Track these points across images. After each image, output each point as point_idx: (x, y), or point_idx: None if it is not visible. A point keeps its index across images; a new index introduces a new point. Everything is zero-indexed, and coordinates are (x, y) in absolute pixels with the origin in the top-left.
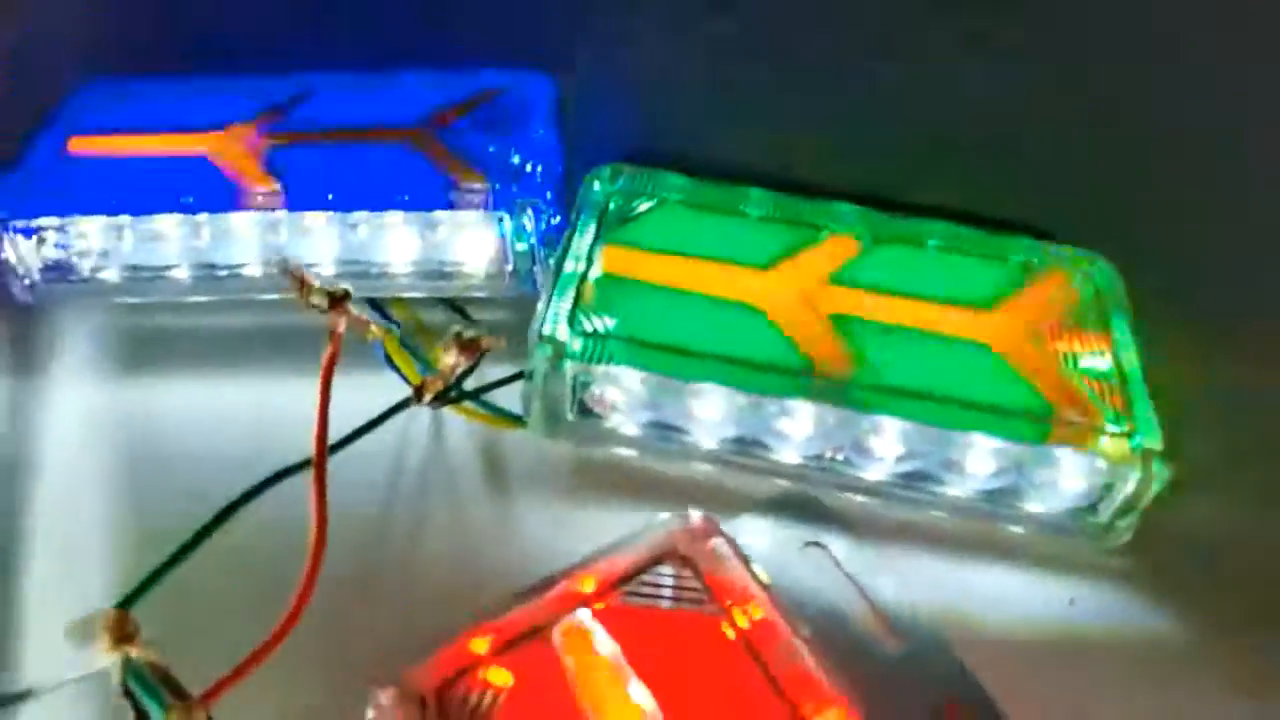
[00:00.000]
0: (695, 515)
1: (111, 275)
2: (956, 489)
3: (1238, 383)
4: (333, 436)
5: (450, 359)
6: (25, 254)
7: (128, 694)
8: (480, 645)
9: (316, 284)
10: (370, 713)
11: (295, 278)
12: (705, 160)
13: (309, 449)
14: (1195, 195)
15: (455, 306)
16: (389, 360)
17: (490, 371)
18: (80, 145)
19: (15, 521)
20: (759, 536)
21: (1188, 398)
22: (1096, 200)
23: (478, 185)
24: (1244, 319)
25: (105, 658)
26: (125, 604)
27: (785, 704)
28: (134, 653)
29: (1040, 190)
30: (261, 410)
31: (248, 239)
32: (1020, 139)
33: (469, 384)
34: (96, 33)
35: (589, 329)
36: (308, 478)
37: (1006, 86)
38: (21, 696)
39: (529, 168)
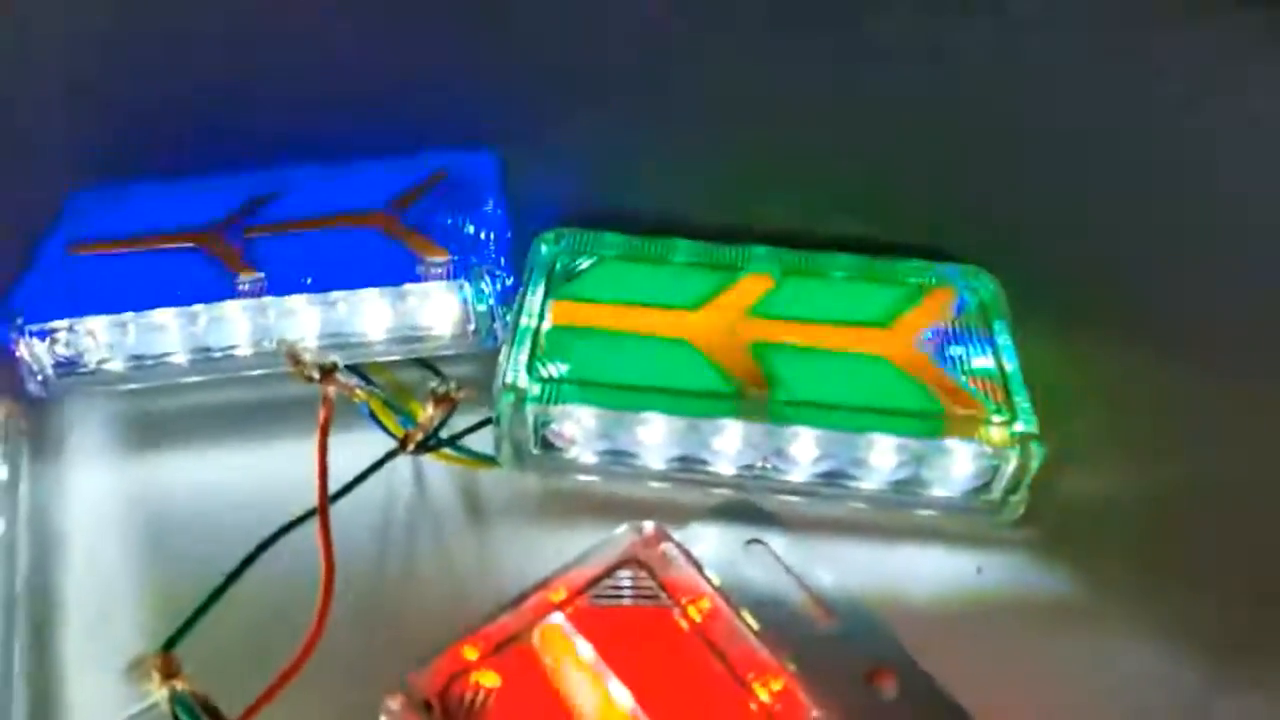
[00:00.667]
0: (648, 526)
1: (116, 365)
2: (868, 483)
3: (1108, 371)
4: (330, 489)
5: (428, 412)
6: (39, 353)
7: None
8: (471, 652)
9: (309, 359)
10: (383, 718)
11: (291, 356)
12: (635, 216)
13: (307, 504)
14: (1067, 206)
15: (427, 364)
16: (374, 418)
17: (461, 420)
18: (81, 250)
19: (50, 593)
20: (706, 540)
21: (1066, 387)
22: (981, 218)
23: (440, 258)
24: (1113, 315)
25: (156, 693)
26: (168, 646)
27: (735, 680)
28: (179, 686)
29: (931, 214)
30: (260, 475)
31: (238, 323)
32: (907, 170)
33: (444, 433)
34: (78, 144)
35: (545, 375)
36: (310, 528)
37: (889, 127)
38: None
39: (482, 236)
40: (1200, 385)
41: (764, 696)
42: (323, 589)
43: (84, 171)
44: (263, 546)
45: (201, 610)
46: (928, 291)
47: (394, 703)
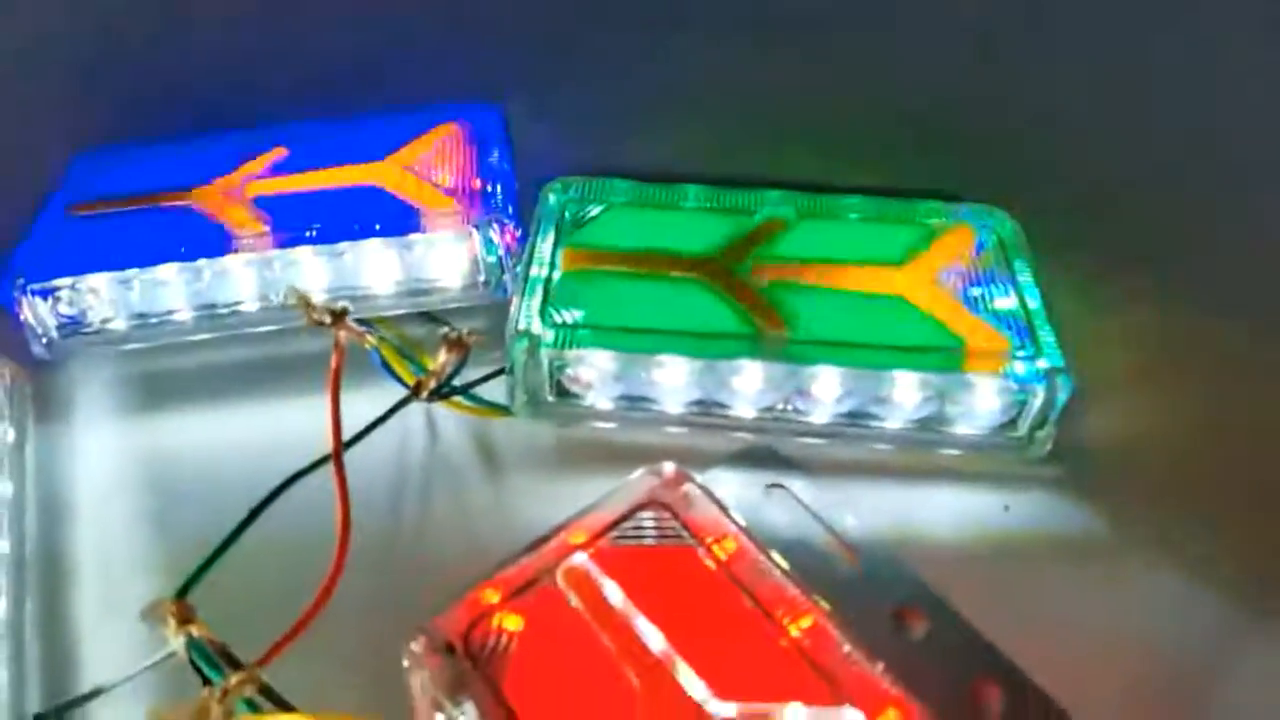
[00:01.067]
0: (668, 467)
1: (120, 325)
2: (892, 421)
3: (1133, 311)
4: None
5: (441, 358)
6: (42, 314)
7: (195, 667)
8: (492, 595)
9: (320, 303)
10: (406, 661)
11: (301, 299)
12: (640, 165)
13: (314, 456)
14: (1089, 149)
15: (436, 318)
16: (385, 365)
17: (473, 372)
18: (82, 210)
19: (59, 554)
20: (727, 485)
21: (1090, 326)
22: (1000, 161)
23: (447, 209)
24: (1138, 257)
25: (172, 640)
26: (181, 593)
27: (766, 617)
28: (195, 632)
29: (949, 159)
30: (268, 431)
31: (242, 278)
32: (924, 113)
33: (457, 384)
34: (80, 106)
35: (559, 321)
36: (320, 481)
37: (913, 69)
38: (92, 695)
39: (489, 188)
40: (1226, 325)
41: (794, 632)
42: (340, 531)
43: (86, 137)
44: (276, 492)
45: (214, 557)
46: (944, 231)
47: (416, 646)
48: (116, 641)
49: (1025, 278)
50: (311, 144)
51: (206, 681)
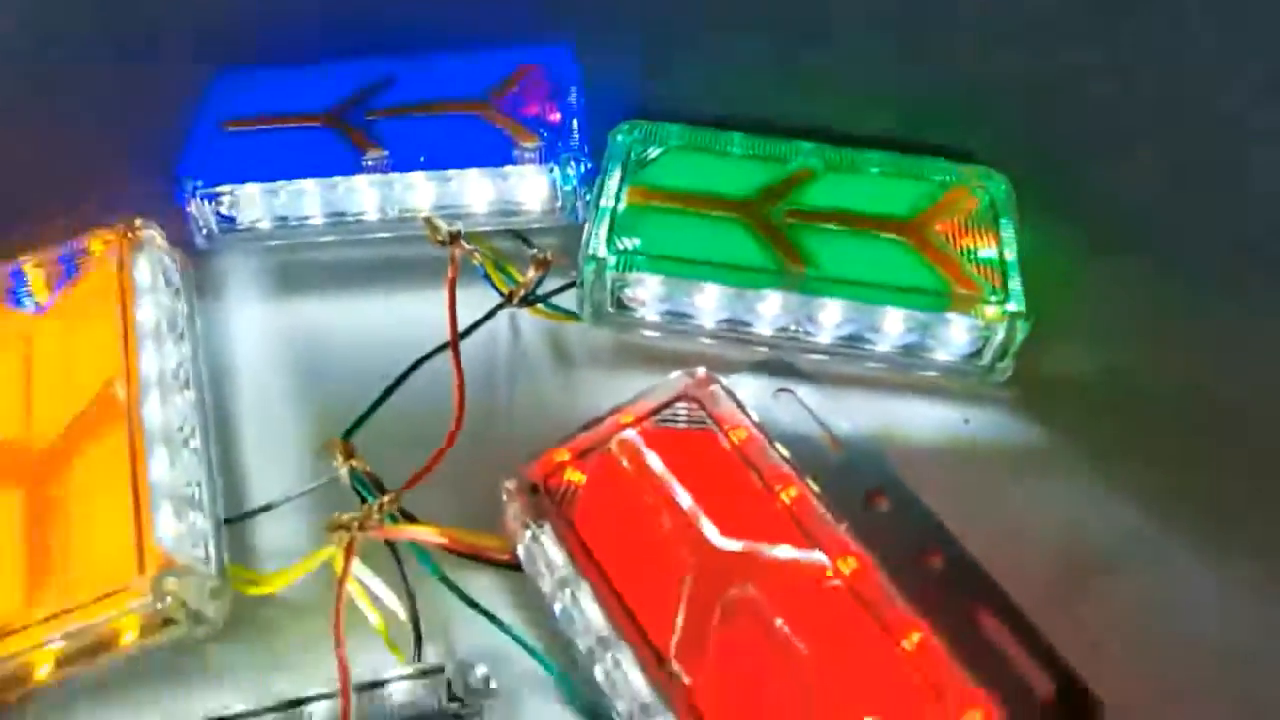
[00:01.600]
0: (700, 370)
1: (265, 225)
2: (881, 346)
3: (1100, 266)
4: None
5: (530, 273)
6: (205, 213)
7: (355, 490)
8: (563, 455)
9: (443, 226)
10: (503, 496)
11: (428, 223)
12: (697, 110)
13: (426, 343)
14: (1090, 122)
15: (521, 236)
16: (486, 277)
17: (550, 284)
18: (235, 126)
19: (228, 406)
20: (746, 387)
21: (1063, 277)
22: (1011, 124)
23: (532, 144)
24: (1117, 223)
25: (339, 469)
26: (346, 435)
27: (765, 487)
28: (356, 465)
29: (965, 118)
30: (386, 320)
31: (367, 194)
32: (953, 77)
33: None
34: (219, 27)
35: (621, 248)
36: (436, 366)
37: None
38: (265, 508)
39: (567, 126)
40: (1185, 289)
41: (785, 500)
42: (457, 398)
43: (217, 57)
44: (413, 367)
45: (372, 409)
46: (948, 189)
47: (510, 485)
48: (276, 473)
49: (1008, 234)
50: (415, 77)
51: (363, 501)
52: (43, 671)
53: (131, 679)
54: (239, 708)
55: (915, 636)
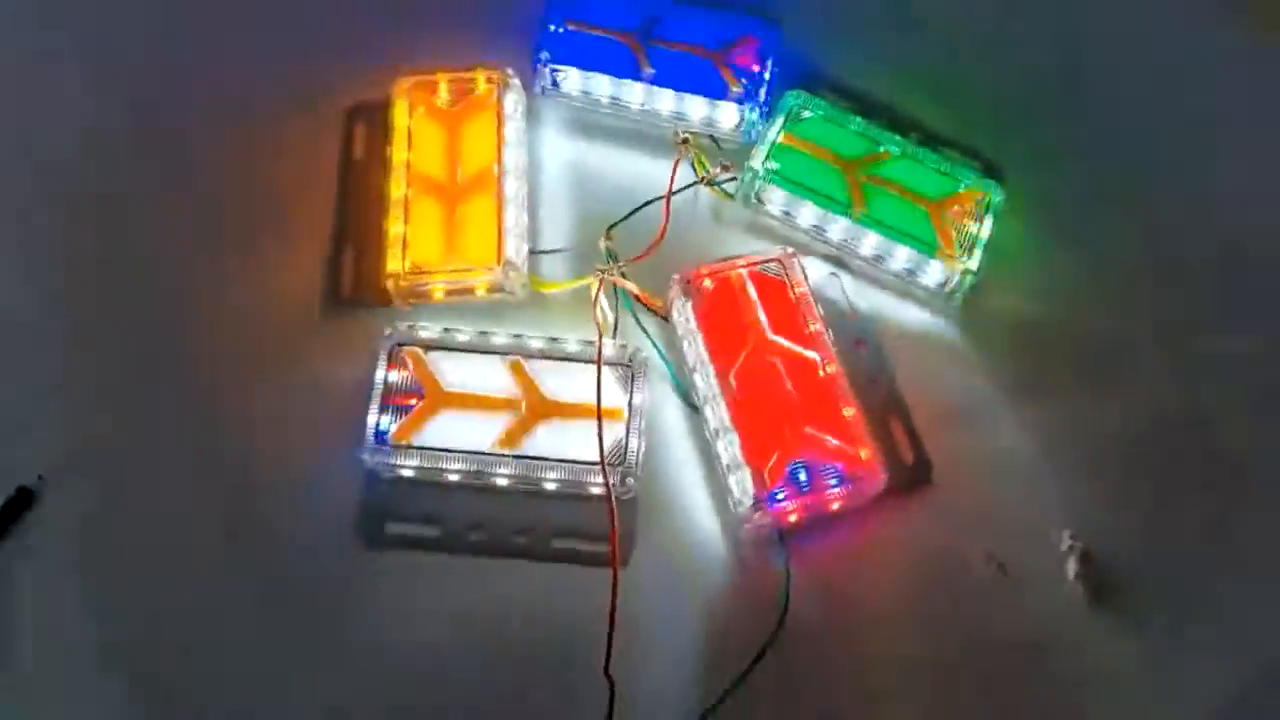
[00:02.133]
0: (789, 249)
1: (576, 92)
2: (894, 266)
3: (1050, 250)
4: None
5: (717, 170)
6: (545, 76)
7: (607, 254)
8: (704, 271)
9: (680, 132)
10: (671, 281)
11: (673, 132)
12: (842, 93)
13: (652, 193)
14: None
15: (715, 141)
16: (692, 166)
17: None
18: (572, 26)
19: (536, 191)
20: (812, 266)
21: (1020, 256)
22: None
23: (736, 89)
24: (1090, 227)
25: (601, 243)
26: (609, 229)
27: (801, 319)
28: (608, 244)
29: (991, 128)
30: (631, 168)
31: (638, 92)
32: (1001, 100)
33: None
34: None
35: (767, 168)
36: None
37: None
38: (557, 251)
39: (758, 83)
40: (1119, 253)
41: (810, 328)
42: (664, 222)
43: None
44: (649, 203)
45: (623, 220)
46: (965, 189)
47: (676, 276)
48: (557, 232)
49: (988, 224)
50: (689, 20)
51: (610, 260)
52: (438, 294)
53: (475, 312)
54: (524, 334)
55: (849, 411)
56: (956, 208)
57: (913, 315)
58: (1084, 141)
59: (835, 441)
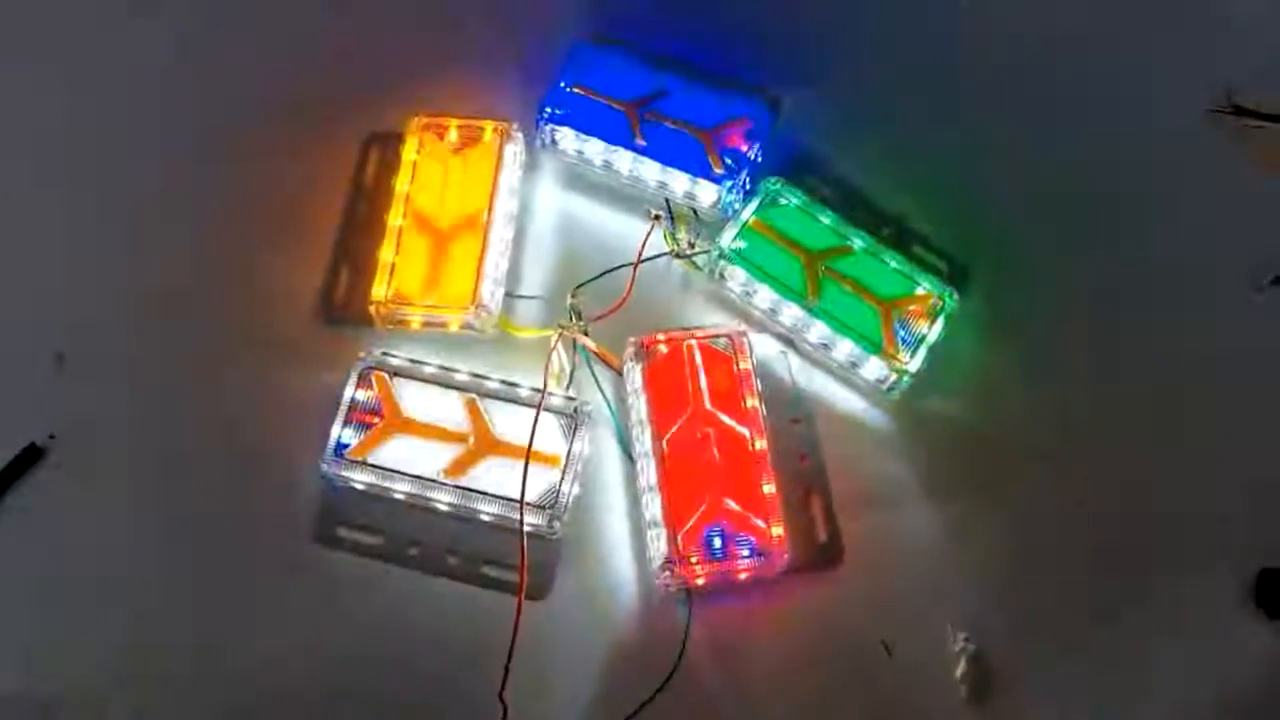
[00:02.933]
0: (742, 325)
1: (571, 152)
2: (837, 355)
3: (996, 366)
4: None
5: (685, 244)
6: (546, 134)
7: (570, 311)
8: (659, 337)
9: (652, 210)
10: (628, 343)
11: (650, 210)
12: (819, 186)
13: (626, 256)
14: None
15: (695, 212)
16: (664, 238)
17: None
18: (575, 90)
19: (519, 238)
20: (762, 345)
21: (967, 362)
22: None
23: (719, 170)
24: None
25: (568, 301)
26: (575, 290)
27: (740, 392)
28: (574, 300)
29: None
30: (610, 227)
31: (627, 160)
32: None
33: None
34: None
35: (733, 248)
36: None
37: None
38: (526, 297)
39: (742, 167)
40: (1055, 386)
41: (748, 404)
42: (628, 287)
43: (577, 28)
44: (619, 267)
45: (589, 281)
46: (919, 292)
47: (632, 340)
48: (534, 280)
49: (936, 329)
50: (683, 97)
51: (573, 317)
52: (415, 324)
53: (448, 343)
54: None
55: (769, 488)
56: (912, 307)
57: (851, 401)
58: (1062, 265)
59: (752, 516)
